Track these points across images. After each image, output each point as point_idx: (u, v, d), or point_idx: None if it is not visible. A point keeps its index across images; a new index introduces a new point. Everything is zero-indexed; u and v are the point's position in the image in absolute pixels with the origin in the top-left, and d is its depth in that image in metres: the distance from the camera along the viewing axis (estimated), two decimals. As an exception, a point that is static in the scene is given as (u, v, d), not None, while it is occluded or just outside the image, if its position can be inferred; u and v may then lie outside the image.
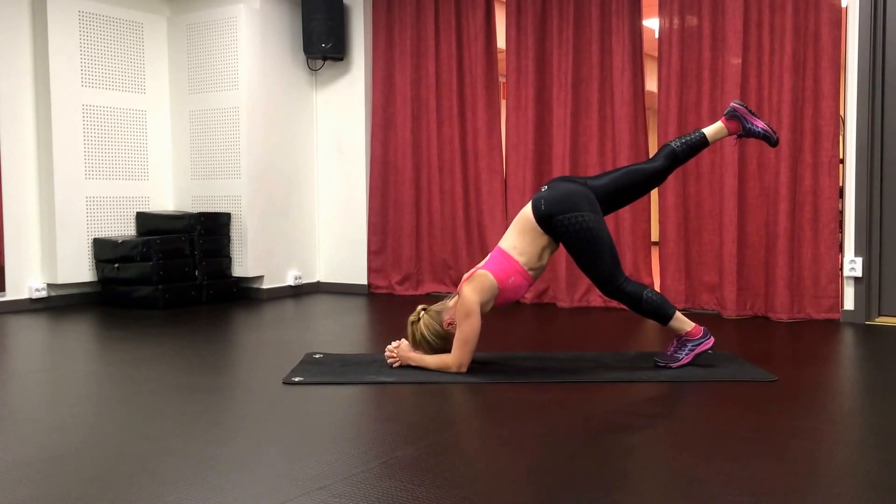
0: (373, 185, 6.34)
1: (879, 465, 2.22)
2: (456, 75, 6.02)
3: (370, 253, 6.37)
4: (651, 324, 4.71)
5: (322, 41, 6.13)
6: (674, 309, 3.44)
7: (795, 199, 4.88)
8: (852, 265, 4.73)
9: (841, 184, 4.81)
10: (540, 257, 3.46)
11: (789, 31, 4.82)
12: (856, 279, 4.75)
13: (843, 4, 4.78)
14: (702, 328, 3.49)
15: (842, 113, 4.79)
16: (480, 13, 5.92)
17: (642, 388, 3.16)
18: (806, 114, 4.83)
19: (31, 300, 5.54)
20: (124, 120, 6.02)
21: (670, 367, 3.45)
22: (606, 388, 3.15)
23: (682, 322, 3.46)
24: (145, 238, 5.60)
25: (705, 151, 5.01)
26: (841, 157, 4.82)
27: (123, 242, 5.62)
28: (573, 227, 3.37)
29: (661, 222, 5.29)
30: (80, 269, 5.72)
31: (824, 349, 3.96)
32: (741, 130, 3.53)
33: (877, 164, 4.71)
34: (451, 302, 3.50)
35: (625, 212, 5.38)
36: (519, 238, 3.45)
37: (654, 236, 6.50)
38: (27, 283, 5.55)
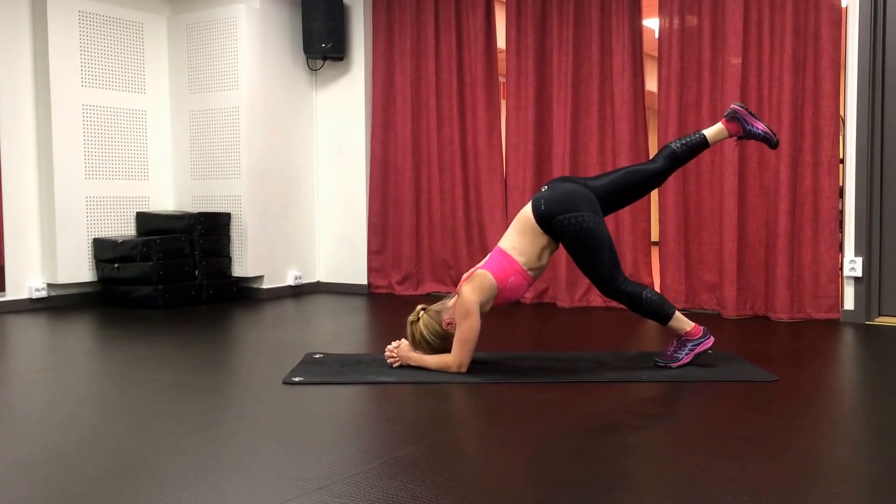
0: (373, 185, 6.34)
1: (879, 465, 2.22)
2: (456, 75, 6.02)
3: (370, 253, 6.37)
4: (651, 324, 4.71)
5: (322, 41, 6.13)
6: (673, 309, 3.45)
7: (795, 199, 4.88)
8: (852, 265, 4.73)
9: (841, 183, 4.81)
10: (540, 257, 3.46)
11: (789, 31, 4.82)
12: (856, 279, 4.75)
13: (843, 4, 4.78)
14: (702, 328, 3.49)
15: (842, 113, 4.79)
16: (480, 13, 5.92)
17: (642, 388, 3.16)
18: (806, 113, 4.83)
19: (31, 300, 5.54)
20: (124, 120, 6.02)
21: (670, 367, 3.45)
22: (606, 388, 3.15)
23: (682, 322, 3.46)
24: (145, 238, 5.60)
25: (705, 152, 5.00)
26: (841, 156, 4.82)
27: (123, 242, 5.62)
28: (573, 227, 3.37)
29: (660, 222, 5.29)
30: (80, 269, 5.72)
31: (824, 349, 3.96)
32: (741, 132, 3.53)
33: (877, 164, 4.71)
34: (450, 302, 3.50)
35: (625, 211, 5.38)
36: (519, 238, 3.45)
37: (654, 236, 6.50)
38: (27, 282, 5.55)
